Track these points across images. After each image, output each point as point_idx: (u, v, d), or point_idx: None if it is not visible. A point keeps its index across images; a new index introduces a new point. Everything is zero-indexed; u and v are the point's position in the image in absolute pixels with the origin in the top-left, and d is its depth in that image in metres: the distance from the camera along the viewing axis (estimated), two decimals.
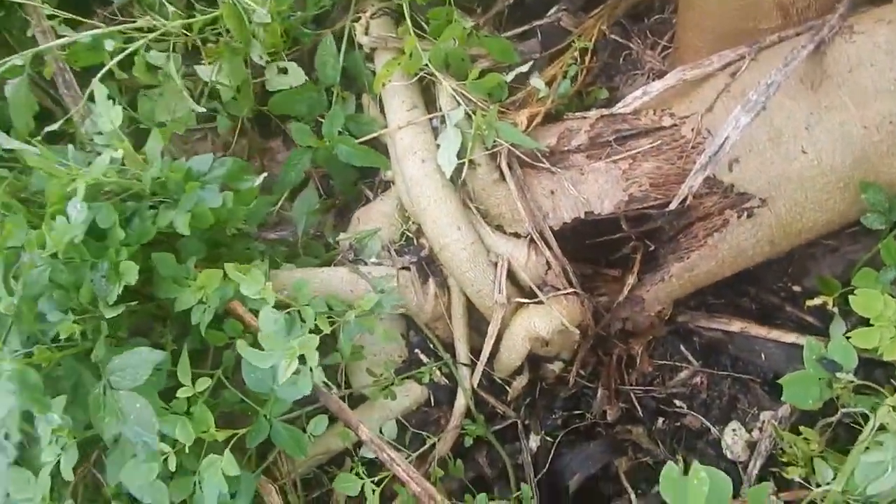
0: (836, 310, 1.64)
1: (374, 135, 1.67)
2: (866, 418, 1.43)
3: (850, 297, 1.42)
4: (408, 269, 1.59)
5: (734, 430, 1.72)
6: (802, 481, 1.52)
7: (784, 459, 1.56)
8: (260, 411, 1.34)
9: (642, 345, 1.82)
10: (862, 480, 1.27)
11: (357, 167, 1.76)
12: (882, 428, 1.31)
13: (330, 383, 1.38)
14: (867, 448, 1.29)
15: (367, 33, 1.76)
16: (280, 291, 1.51)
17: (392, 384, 1.51)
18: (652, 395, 1.80)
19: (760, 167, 1.46)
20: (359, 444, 1.51)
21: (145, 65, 1.53)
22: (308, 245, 1.79)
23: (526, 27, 1.92)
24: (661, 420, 1.77)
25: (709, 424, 1.74)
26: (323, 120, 1.74)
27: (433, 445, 1.53)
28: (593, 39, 1.84)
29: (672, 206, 1.50)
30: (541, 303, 1.53)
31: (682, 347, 1.83)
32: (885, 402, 1.30)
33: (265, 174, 1.49)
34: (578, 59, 1.82)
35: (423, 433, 1.58)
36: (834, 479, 1.37)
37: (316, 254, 1.76)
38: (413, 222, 1.65)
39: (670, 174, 1.51)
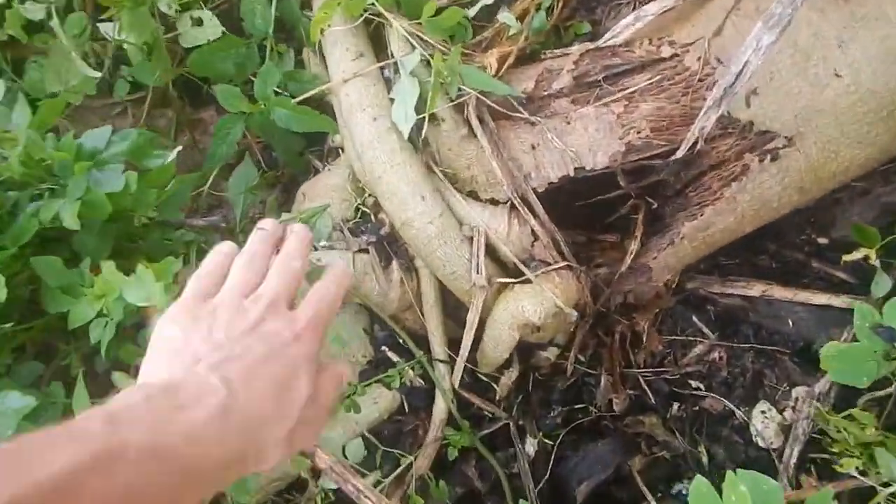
0: (877, 263, 1.39)
1: (314, 91, 1.38)
2: None
3: None
4: (366, 251, 1.32)
5: (763, 411, 1.47)
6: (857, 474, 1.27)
7: (835, 449, 1.32)
8: None
9: (648, 319, 1.56)
10: None
11: (301, 133, 1.48)
12: None
13: None
14: None
15: None
16: None
17: (354, 393, 1.24)
18: (664, 378, 1.54)
19: (785, 99, 1.19)
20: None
21: (21, 20, 1.22)
22: (248, 230, 1.50)
23: None
24: (676, 406, 1.52)
25: (732, 407, 1.50)
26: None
27: (410, 465, 1.26)
28: None
29: (679, 154, 1.24)
30: (529, 281, 1.26)
31: (695, 318, 1.57)
32: None
33: (179, 148, 1.20)
34: None
35: (396, 451, 1.32)
36: None
37: None
38: (369, 195, 1.38)
39: (675, 115, 1.24)
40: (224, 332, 0.73)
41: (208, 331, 0.74)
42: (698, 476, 1.05)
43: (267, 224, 0.86)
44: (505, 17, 1.38)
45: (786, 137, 1.21)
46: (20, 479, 0.49)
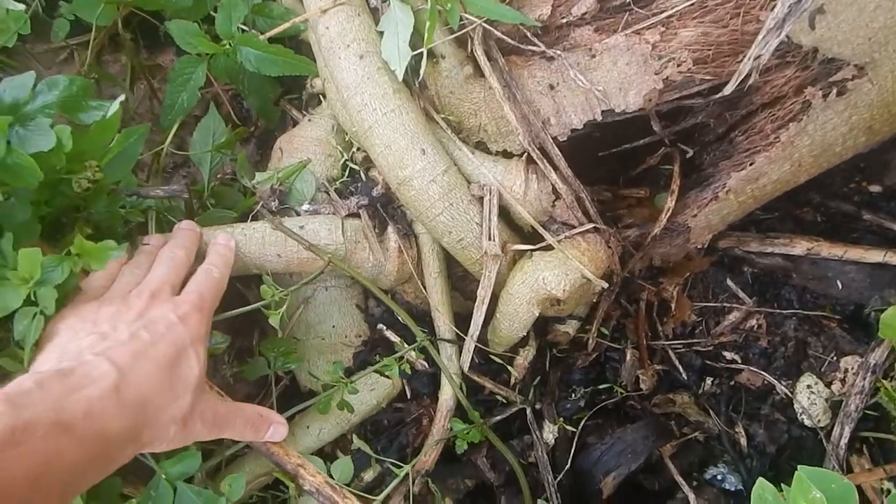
0: None
1: (286, 26, 1.16)
2: None
3: None
4: (356, 215, 1.11)
5: (809, 385, 1.30)
6: None
7: None
8: (157, 470, 0.88)
9: (678, 284, 1.38)
10: None
11: (275, 78, 1.26)
12: None
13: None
14: None
15: None
16: None
17: (346, 386, 1.05)
18: (695, 350, 1.37)
19: (858, 18, 0.98)
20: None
21: None
22: (219, 193, 1.30)
23: None
24: (709, 381, 1.35)
25: (773, 380, 1.32)
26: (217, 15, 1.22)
27: (413, 461, 1.08)
28: None
29: (727, 90, 1.03)
30: (550, 248, 1.06)
31: (730, 282, 1.39)
32: None
33: (122, 97, 0.98)
34: None
35: (397, 443, 1.13)
36: None
37: (229, 204, 1.27)
38: (358, 149, 1.17)
39: (722, 42, 1.03)
40: (109, 324, 0.79)
41: (93, 324, 0.79)
42: (761, 480, 0.87)
43: (151, 239, 0.97)
44: None
45: (856, 66, 1.01)
46: None
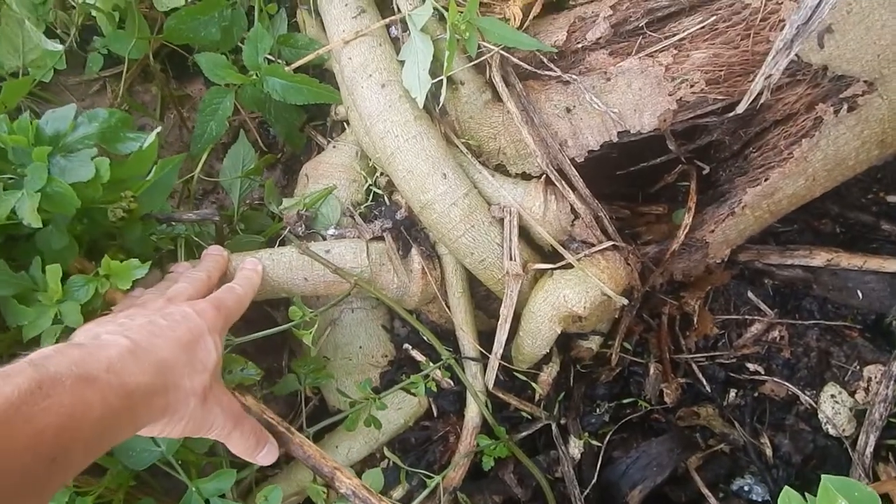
0: None
1: (311, 57, 1.20)
2: None
3: None
4: (381, 238, 1.15)
5: (833, 395, 1.31)
6: None
7: None
8: (189, 486, 0.92)
9: (699, 298, 1.40)
10: None
11: (300, 106, 1.31)
12: None
13: (283, 423, 0.95)
14: None
15: None
16: None
17: (375, 403, 1.08)
18: (718, 362, 1.38)
19: (866, 35, 1.01)
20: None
21: None
22: (248, 218, 1.34)
23: None
24: (733, 393, 1.36)
25: (797, 391, 1.33)
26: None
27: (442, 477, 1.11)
28: None
29: (740, 109, 1.05)
30: (570, 266, 1.09)
31: (751, 294, 1.40)
32: None
33: (159, 129, 1.03)
34: None
35: (425, 461, 1.16)
36: None
37: (258, 229, 1.32)
38: (381, 174, 1.20)
39: (734, 63, 1.06)
40: (125, 316, 0.83)
41: (111, 318, 0.83)
42: (787, 489, 0.89)
43: (178, 267, 1.03)
44: None
45: (865, 82, 1.03)
46: None
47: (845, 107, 1.04)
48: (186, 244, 1.15)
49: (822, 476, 0.92)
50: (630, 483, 1.21)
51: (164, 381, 0.75)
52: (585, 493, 1.22)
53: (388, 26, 1.18)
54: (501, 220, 1.09)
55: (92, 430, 0.64)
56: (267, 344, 1.12)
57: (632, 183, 1.37)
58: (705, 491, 1.23)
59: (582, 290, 1.06)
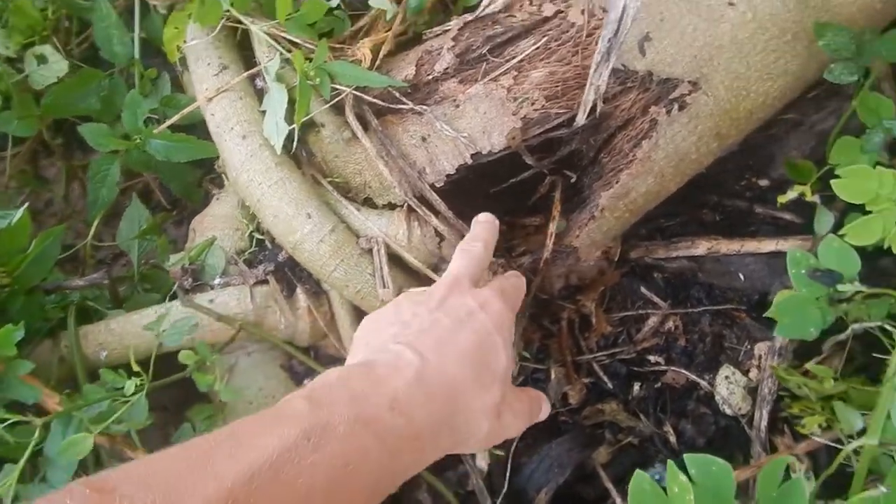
0: (817, 199, 1.28)
1: (177, 118, 1.26)
2: (888, 334, 1.09)
3: (833, 182, 1.07)
4: (265, 281, 1.20)
5: (727, 376, 1.36)
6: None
7: (794, 410, 1.21)
8: None
9: (594, 299, 1.45)
10: None
11: (193, 162, 1.36)
12: None
13: None
14: None
15: None
16: (96, 352, 1.13)
17: None
18: (620, 359, 1.43)
19: (681, 40, 1.08)
20: None
21: None
22: (150, 277, 1.39)
23: None
24: (637, 386, 1.41)
25: (694, 377, 1.39)
26: None
27: None
28: None
29: (580, 120, 1.12)
30: None
31: (643, 289, 1.46)
32: None
33: (27, 205, 1.08)
34: None
35: None
36: (864, 428, 1.02)
37: (161, 287, 1.37)
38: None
39: (568, 78, 1.13)
40: (410, 313, 0.77)
41: (395, 315, 0.78)
42: (638, 471, 0.94)
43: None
44: (376, 1, 1.26)
45: (690, 82, 1.10)
46: (238, 463, 0.51)
47: (676, 107, 1.11)
48: (79, 311, 1.20)
49: (685, 455, 0.98)
50: (536, 486, 1.25)
51: (453, 408, 0.68)
52: (499, 501, 1.26)
53: (253, 80, 1.24)
54: (370, 251, 1.14)
55: (369, 477, 0.58)
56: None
57: (518, 197, 1.43)
58: (608, 485, 1.28)
59: None
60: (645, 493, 0.91)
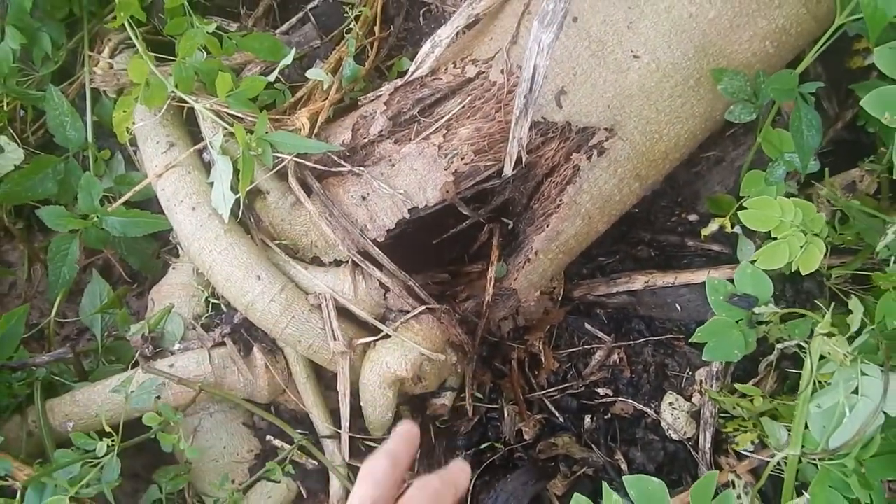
0: (738, 230, 1.37)
1: (129, 195, 1.33)
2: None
3: (740, 213, 1.16)
4: (223, 343, 1.25)
5: (671, 402, 1.43)
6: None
7: (728, 429, 1.28)
8: None
9: (542, 338, 1.52)
10: (820, 435, 0.99)
11: (150, 235, 1.42)
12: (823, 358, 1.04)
13: None
14: (814, 392, 1.01)
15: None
16: (63, 424, 1.16)
17: (233, 497, 1.16)
18: (570, 393, 1.50)
19: (593, 91, 1.18)
20: None
21: None
22: (114, 349, 1.43)
23: (300, 14, 1.61)
24: (588, 419, 1.47)
25: (641, 407, 1.45)
26: None
27: None
28: (378, 4, 1.54)
29: (507, 171, 1.21)
30: (388, 336, 1.21)
31: (588, 325, 1.53)
32: (817, 331, 1.02)
33: None
34: (367, 32, 1.52)
35: None
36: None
37: (121, 357, 1.41)
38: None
39: (493, 133, 1.21)
40: None
41: None
42: (576, 495, 1.00)
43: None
44: (313, 73, 1.35)
45: (606, 129, 1.19)
46: None
47: (595, 152, 1.20)
48: (45, 386, 1.24)
49: (624, 478, 1.03)
50: None
51: None
52: None
53: (201, 154, 1.32)
54: (319, 307, 1.20)
55: None
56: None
57: (461, 246, 1.51)
58: None
59: (401, 354, 1.18)
60: None
